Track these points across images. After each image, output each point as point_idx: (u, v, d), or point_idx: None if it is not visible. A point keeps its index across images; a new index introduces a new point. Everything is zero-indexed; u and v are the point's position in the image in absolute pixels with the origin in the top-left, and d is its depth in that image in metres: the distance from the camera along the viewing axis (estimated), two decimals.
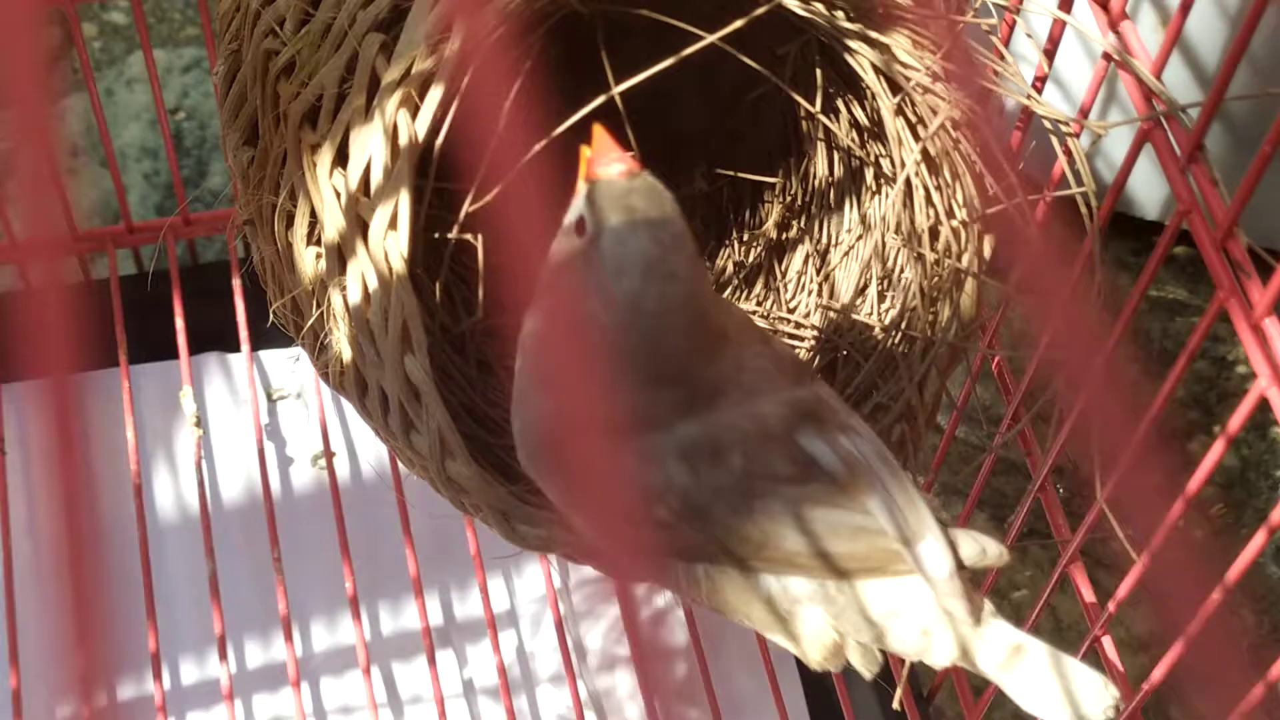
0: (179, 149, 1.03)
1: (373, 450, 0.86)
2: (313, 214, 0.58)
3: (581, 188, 0.55)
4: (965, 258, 0.61)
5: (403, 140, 0.55)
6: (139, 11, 0.81)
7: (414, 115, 0.55)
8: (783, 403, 0.56)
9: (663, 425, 0.55)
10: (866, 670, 0.57)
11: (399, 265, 0.55)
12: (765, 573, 0.57)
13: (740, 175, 0.73)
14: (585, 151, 0.55)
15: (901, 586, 0.56)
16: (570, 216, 0.55)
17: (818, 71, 0.64)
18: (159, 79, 1.05)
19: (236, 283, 0.88)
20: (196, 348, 0.88)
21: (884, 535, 0.55)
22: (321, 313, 0.58)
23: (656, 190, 0.54)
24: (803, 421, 0.56)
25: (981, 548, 0.56)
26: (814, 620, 0.57)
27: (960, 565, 0.55)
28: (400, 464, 0.65)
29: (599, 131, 0.54)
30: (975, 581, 0.57)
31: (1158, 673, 0.61)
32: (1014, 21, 0.63)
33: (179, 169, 0.92)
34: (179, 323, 0.87)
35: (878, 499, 0.56)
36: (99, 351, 0.88)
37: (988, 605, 0.56)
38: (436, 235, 0.62)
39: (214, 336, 0.89)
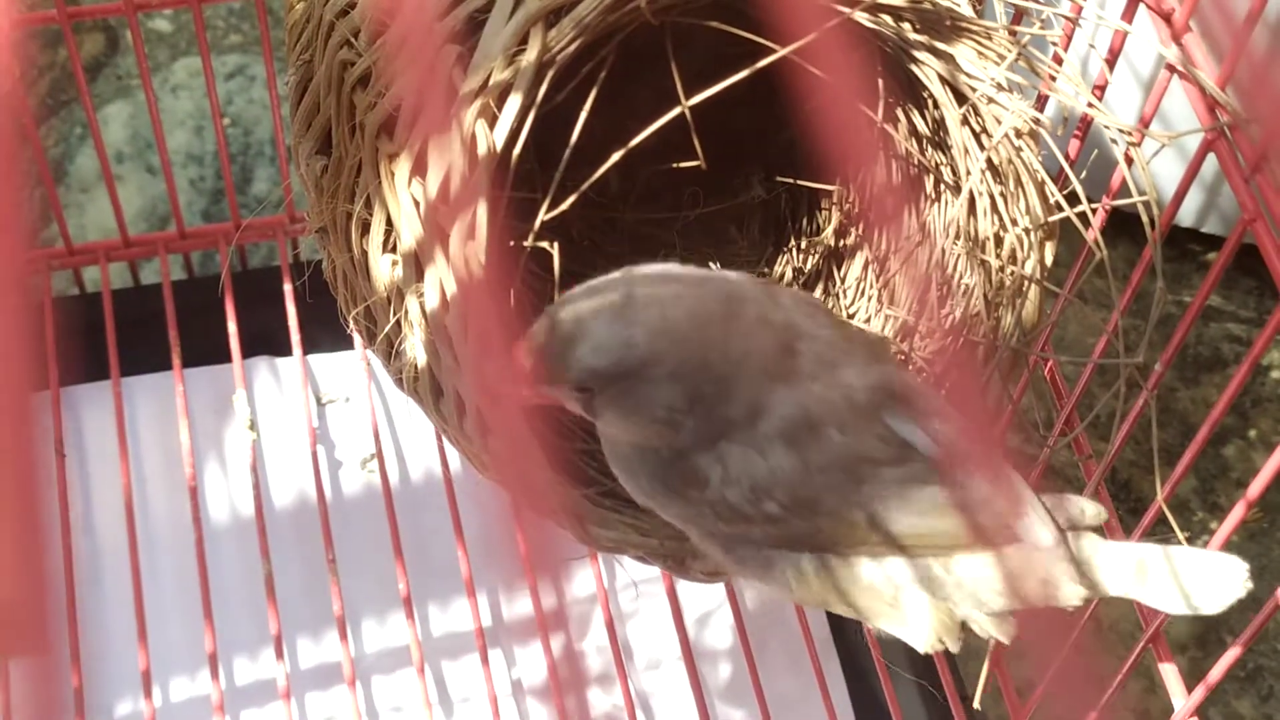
0: None
1: (421, 453, 0.87)
2: (388, 222, 0.59)
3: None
4: (1029, 265, 0.62)
5: (481, 150, 0.56)
6: (199, 18, 0.82)
7: (492, 125, 0.57)
8: (864, 376, 0.57)
9: (749, 424, 0.56)
10: (1004, 635, 0.59)
11: (478, 273, 0.56)
12: (866, 558, 0.58)
13: (798, 183, 0.74)
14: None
15: (1008, 558, 0.58)
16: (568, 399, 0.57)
17: (879, 81, 0.65)
18: (202, 87, 1.06)
19: (288, 287, 0.89)
20: (245, 352, 0.89)
21: (984, 510, 0.57)
22: (397, 319, 0.60)
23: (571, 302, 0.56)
24: (889, 400, 0.57)
25: (1080, 508, 0.59)
26: (920, 603, 0.59)
27: (1062, 532, 0.57)
28: (470, 467, 0.66)
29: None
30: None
31: (1215, 673, 0.62)
32: (1072, 31, 0.64)
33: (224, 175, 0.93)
34: (231, 327, 0.88)
35: (969, 482, 0.57)
36: (150, 356, 0.89)
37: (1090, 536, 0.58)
38: (512, 243, 0.63)
39: (262, 341, 0.90)
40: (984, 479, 0.56)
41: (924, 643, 0.59)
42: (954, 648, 0.59)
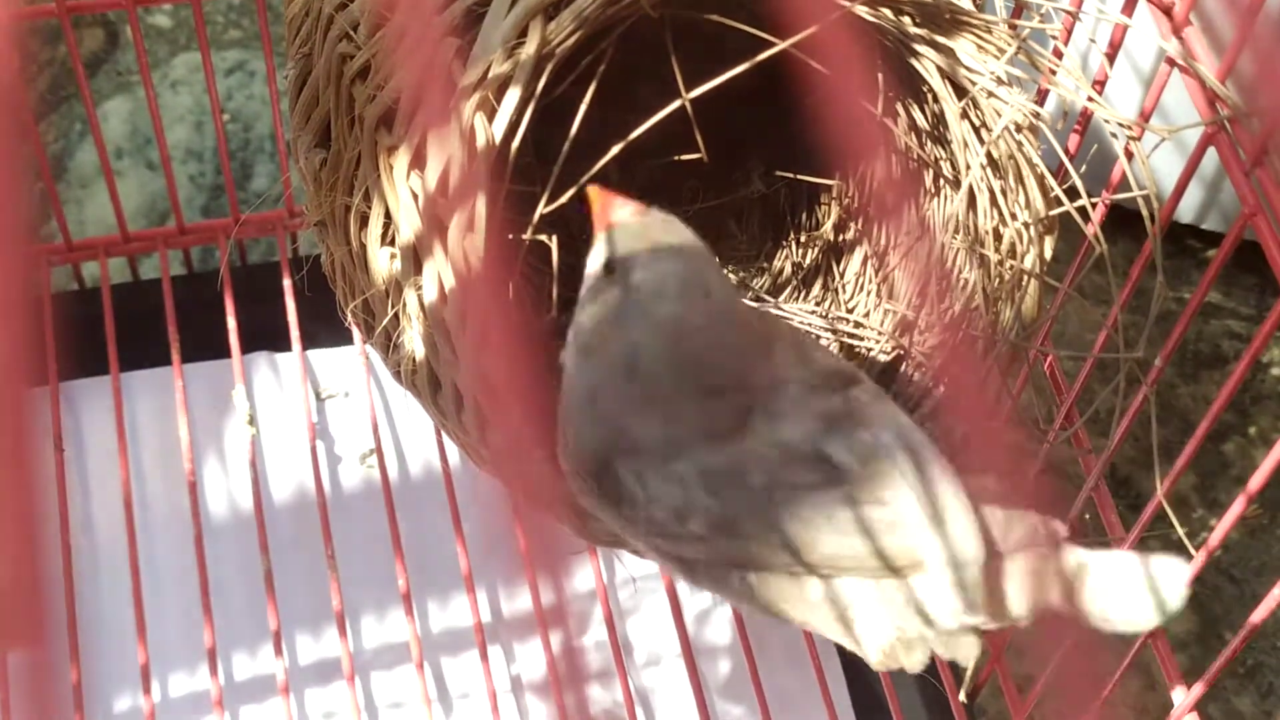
0: None
1: (420, 449, 0.87)
2: (387, 215, 0.59)
3: (599, 236, 0.58)
4: (1028, 259, 0.62)
5: (480, 143, 0.56)
6: (199, 13, 0.82)
7: (491, 118, 0.56)
8: (810, 419, 0.57)
9: (688, 448, 0.57)
10: (965, 659, 0.58)
11: (476, 266, 0.56)
12: (814, 578, 0.58)
13: (798, 177, 0.74)
14: (594, 202, 0.58)
15: (921, 580, 0.57)
16: (593, 264, 0.58)
17: (879, 75, 0.65)
18: (202, 82, 1.06)
19: (288, 283, 0.89)
20: (245, 347, 0.89)
21: (900, 528, 0.56)
22: (395, 312, 0.59)
23: (671, 221, 0.58)
24: (824, 430, 0.57)
25: (1033, 530, 0.56)
26: (871, 620, 0.58)
27: (981, 559, 0.56)
28: (470, 462, 0.66)
29: (595, 191, 0.59)
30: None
31: (1214, 668, 0.62)
32: (1072, 25, 0.64)
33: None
34: (231, 322, 0.88)
35: (896, 493, 0.56)
36: (149, 351, 0.89)
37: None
38: (510, 236, 0.63)
39: (261, 336, 0.90)
40: (909, 486, 0.56)
41: (874, 660, 0.58)
42: (910, 667, 0.58)
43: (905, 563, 0.56)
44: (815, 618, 0.58)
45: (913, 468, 0.56)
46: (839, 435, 0.57)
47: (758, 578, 0.58)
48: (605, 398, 0.58)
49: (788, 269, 0.74)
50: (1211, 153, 0.59)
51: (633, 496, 0.58)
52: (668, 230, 0.58)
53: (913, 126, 0.66)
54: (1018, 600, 0.56)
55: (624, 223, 0.58)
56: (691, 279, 0.57)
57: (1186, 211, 1.00)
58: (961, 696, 0.80)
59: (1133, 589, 0.56)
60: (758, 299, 0.75)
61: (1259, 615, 0.59)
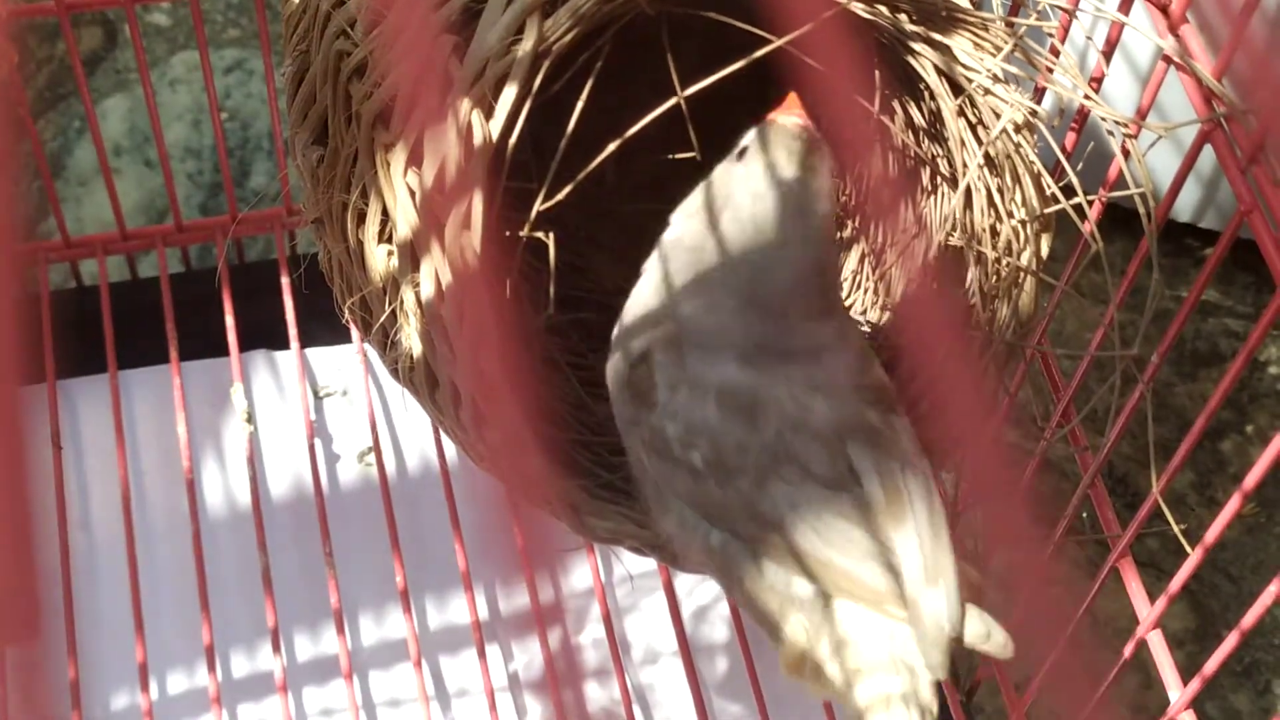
0: None
1: (418, 447, 0.87)
2: (384, 212, 0.59)
3: (756, 129, 0.60)
4: (1025, 256, 0.62)
5: (477, 140, 0.56)
6: (197, 12, 0.82)
7: (488, 115, 0.56)
8: (842, 408, 0.57)
9: (723, 354, 0.57)
10: (816, 694, 0.58)
11: (473, 263, 0.56)
12: (773, 562, 0.57)
13: None
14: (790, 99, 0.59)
15: (885, 625, 0.56)
16: (740, 144, 0.60)
17: (875, 72, 0.65)
18: (200, 81, 1.06)
19: (286, 280, 0.89)
20: (243, 345, 0.89)
21: (890, 572, 0.56)
22: (393, 309, 0.59)
23: (820, 147, 0.58)
24: (858, 434, 0.57)
25: (987, 631, 0.56)
26: (796, 627, 0.58)
27: (957, 631, 0.56)
28: (468, 460, 0.66)
29: (791, 96, 0.59)
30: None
31: (1211, 665, 0.62)
32: (1069, 23, 0.64)
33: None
34: (229, 320, 0.88)
35: (906, 537, 0.56)
36: (147, 349, 0.89)
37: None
38: (508, 233, 0.63)
39: (260, 334, 0.90)
40: (919, 538, 0.56)
41: (783, 666, 0.59)
42: (812, 692, 0.58)
43: (876, 600, 0.56)
44: (757, 598, 0.58)
45: (927, 521, 0.56)
46: (870, 451, 0.57)
47: (724, 539, 0.58)
48: (674, 270, 0.58)
49: None
50: (1208, 151, 0.59)
51: (655, 397, 0.58)
52: (810, 151, 0.59)
53: (909, 124, 0.67)
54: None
55: (783, 125, 0.59)
56: (794, 195, 0.58)
57: (1183, 210, 1.00)
58: (960, 695, 0.80)
59: None
60: None
61: (1251, 618, 0.59)
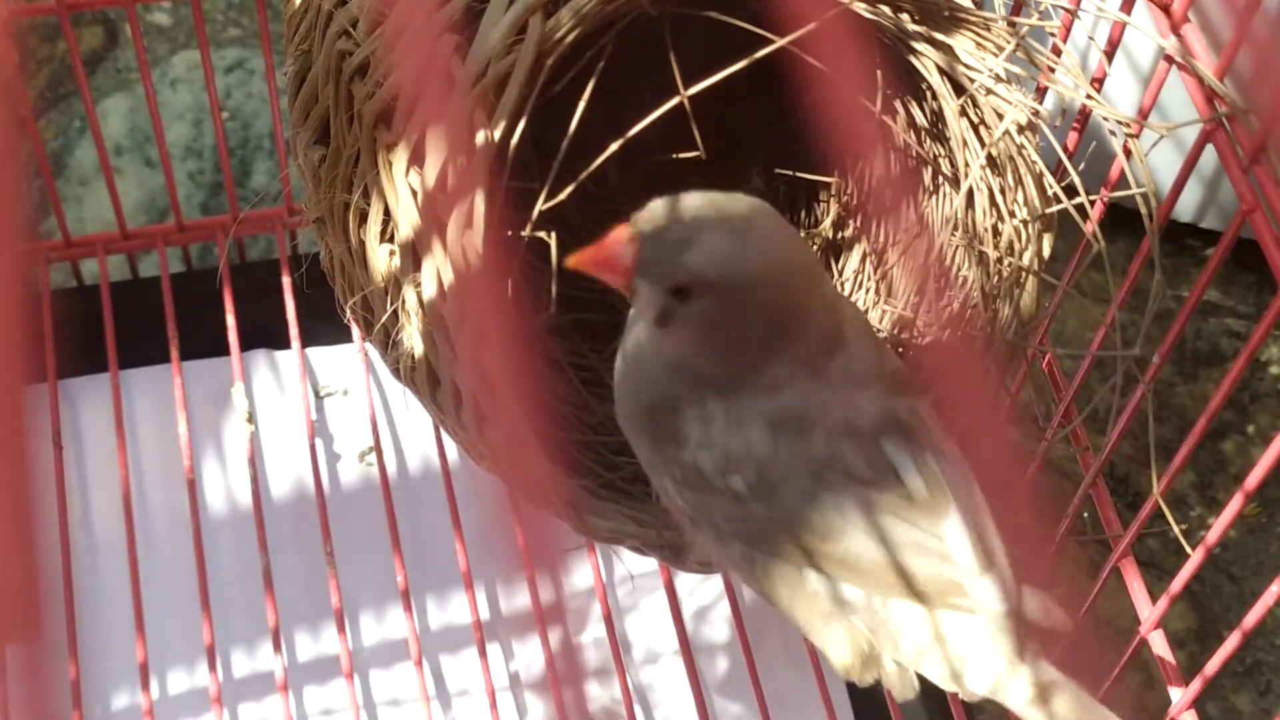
0: None
1: (420, 447, 0.87)
2: (386, 212, 0.59)
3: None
4: (1026, 256, 0.62)
5: (479, 140, 0.56)
6: (198, 11, 0.82)
7: (490, 115, 0.56)
8: (877, 404, 0.57)
9: (758, 391, 0.56)
10: (900, 694, 0.59)
11: (475, 263, 0.56)
12: (819, 572, 0.58)
13: (797, 175, 0.74)
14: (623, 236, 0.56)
15: (948, 618, 0.57)
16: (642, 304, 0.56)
17: (877, 72, 0.65)
18: (201, 80, 1.06)
19: (287, 280, 0.89)
20: (244, 345, 0.89)
21: (947, 562, 0.56)
22: (394, 309, 0.59)
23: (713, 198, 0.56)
24: (891, 429, 0.57)
25: (1046, 608, 0.57)
26: (849, 627, 0.58)
27: (1015, 611, 0.56)
28: (469, 459, 0.66)
29: (584, 258, 0.56)
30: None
31: (1213, 665, 0.62)
32: (1071, 22, 0.64)
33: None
34: (230, 320, 0.88)
35: (951, 525, 0.56)
36: (148, 349, 0.89)
37: (1033, 649, 0.57)
38: (509, 233, 0.63)
39: (260, 334, 0.90)
40: (962, 523, 0.56)
41: (840, 666, 0.59)
42: (858, 681, 0.59)
43: (936, 593, 0.56)
44: (803, 607, 0.58)
45: (969, 506, 0.56)
46: (902, 445, 0.57)
47: (763, 559, 0.58)
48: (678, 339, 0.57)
49: None
50: (1210, 152, 0.59)
51: (685, 437, 0.57)
52: (723, 201, 0.57)
53: (911, 124, 0.67)
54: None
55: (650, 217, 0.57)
56: (766, 230, 0.57)
57: (1185, 211, 1.00)
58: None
59: None
60: None
61: (1252, 618, 0.59)
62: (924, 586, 0.56)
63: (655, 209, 0.55)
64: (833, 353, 0.57)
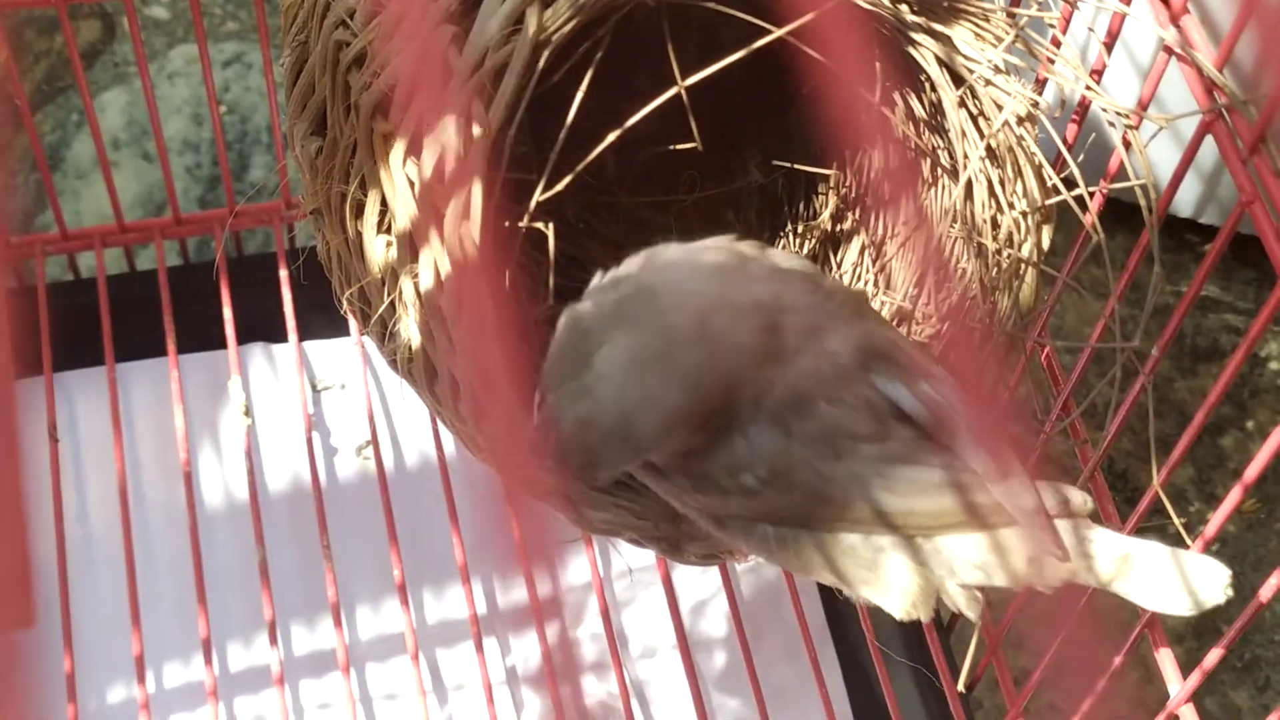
0: None
1: (417, 440, 0.87)
2: (383, 203, 0.59)
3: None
4: (1025, 248, 0.62)
5: (476, 130, 0.56)
6: (196, 5, 0.82)
7: (488, 106, 0.56)
8: (848, 339, 0.57)
9: (752, 412, 0.56)
10: (971, 612, 0.58)
11: (472, 253, 0.56)
12: (850, 532, 0.58)
13: (795, 167, 0.74)
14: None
15: (991, 537, 0.57)
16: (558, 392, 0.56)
17: (876, 64, 0.65)
18: (199, 74, 1.06)
19: (284, 274, 0.89)
20: (241, 338, 0.89)
21: (971, 487, 0.56)
22: (392, 300, 0.59)
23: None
24: (875, 359, 0.57)
25: (1065, 497, 0.57)
26: (898, 568, 0.58)
27: (1042, 503, 0.56)
28: (465, 453, 0.66)
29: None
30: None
31: (1211, 659, 0.62)
32: (1070, 13, 0.64)
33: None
34: (227, 313, 0.88)
35: (964, 445, 0.56)
36: (145, 342, 0.89)
37: (1086, 522, 0.57)
38: (507, 224, 0.63)
39: (258, 327, 0.90)
40: (971, 441, 0.56)
41: (899, 608, 0.58)
42: (924, 616, 0.58)
43: (980, 522, 0.56)
44: (844, 563, 0.58)
45: (973, 422, 0.56)
46: (893, 376, 0.57)
47: (793, 533, 0.58)
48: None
49: None
50: (1209, 146, 0.59)
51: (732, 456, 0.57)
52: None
53: (910, 115, 0.66)
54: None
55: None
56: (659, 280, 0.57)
57: (1185, 205, 1.00)
58: (960, 688, 0.80)
59: (1171, 586, 0.57)
60: None
61: (1251, 613, 0.59)
62: (954, 520, 0.56)
63: (541, 425, 0.55)
64: (777, 326, 0.56)
